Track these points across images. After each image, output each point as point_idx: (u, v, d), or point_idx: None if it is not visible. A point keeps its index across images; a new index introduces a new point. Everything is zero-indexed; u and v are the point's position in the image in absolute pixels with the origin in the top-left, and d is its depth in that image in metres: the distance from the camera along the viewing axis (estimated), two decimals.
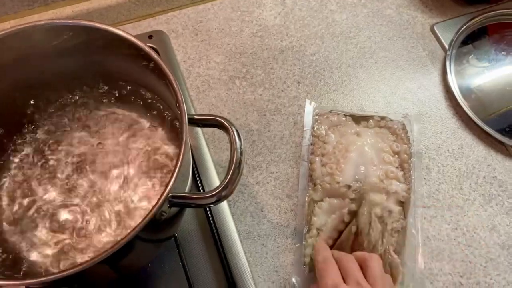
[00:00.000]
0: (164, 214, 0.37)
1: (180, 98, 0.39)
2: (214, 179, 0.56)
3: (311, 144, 0.58)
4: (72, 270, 0.33)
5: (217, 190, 0.37)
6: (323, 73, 0.65)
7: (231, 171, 0.38)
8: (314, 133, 0.58)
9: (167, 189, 0.35)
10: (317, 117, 0.59)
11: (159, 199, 0.35)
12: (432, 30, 0.69)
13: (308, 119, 0.60)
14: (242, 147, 0.39)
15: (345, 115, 0.60)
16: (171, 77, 0.39)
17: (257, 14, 0.69)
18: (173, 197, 0.37)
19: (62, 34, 0.42)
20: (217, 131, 0.58)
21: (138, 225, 0.34)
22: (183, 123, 0.38)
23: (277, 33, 0.68)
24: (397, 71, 0.66)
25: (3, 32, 0.41)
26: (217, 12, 0.69)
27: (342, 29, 0.69)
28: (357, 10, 0.70)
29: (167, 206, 0.37)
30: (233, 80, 0.64)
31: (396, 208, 0.54)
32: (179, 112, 0.41)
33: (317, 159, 0.57)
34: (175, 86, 0.39)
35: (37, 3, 0.62)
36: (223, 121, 0.40)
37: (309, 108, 0.61)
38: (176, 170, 0.36)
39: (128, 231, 0.43)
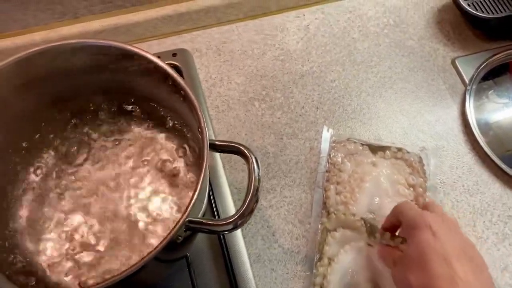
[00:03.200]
0: (180, 238, 0.38)
1: (203, 125, 0.39)
2: (228, 200, 0.56)
3: (327, 171, 0.58)
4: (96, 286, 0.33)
5: (234, 218, 0.38)
6: (342, 100, 0.66)
7: (248, 199, 0.38)
8: (330, 160, 0.59)
9: (185, 214, 0.36)
10: (334, 144, 0.60)
11: (176, 223, 0.36)
12: (453, 63, 0.69)
13: (325, 145, 0.60)
14: (260, 175, 0.40)
15: (362, 144, 0.60)
16: (197, 105, 0.40)
17: (280, 38, 0.70)
18: (190, 221, 0.37)
19: (92, 52, 0.44)
20: None
21: (156, 248, 0.35)
22: (205, 149, 0.39)
23: (299, 57, 0.69)
24: (416, 102, 0.66)
25: (36, 49, 0.42)
26: (241, 34, 0.70)
27: (363, 57, 0.69)
28: (379, 39, 0.71)
29: (183, 230, 0.38)
30: (252, 101, 0.65)
31: None
32: (200, 136, 0.42)
33: (332, 186, 0.57)
34: (199, 112, 0.40)
35: (67, 16, 0.64)
36: (243, 149, 0.41)
37: (327, 134, 0.61)
38: (195, 196, 0.37)
39: (142, 250, 0.44)
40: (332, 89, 0.66)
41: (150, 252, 0.35)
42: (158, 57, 0.43)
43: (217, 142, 0.41)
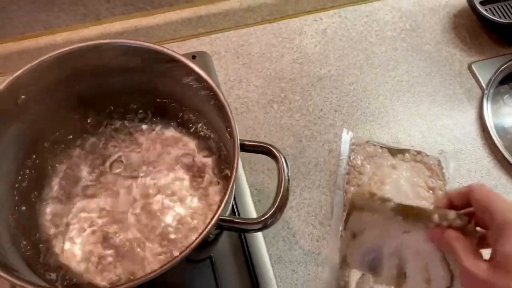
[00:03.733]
0: (211, 236, 0.38)
1: (233, 125, 0.40)
2: (249, 201, 0.57)
3: (347, 174, 0.59)
4: (125, 285, 0.34)
5: (265, 217, 0.38)
6: (360, 103, 0.66)
7: (278, 199, 0.39)
8: (350, 163, 0.59)
9: (218, 212, 0.36)
10: (353, 147, 0.60)
11: (209, 221, 0.36)
12: (469, 68, 0.70)
13: (344, 148, 0.61)
14: (289, 175, 0.40)
15: (382, 147, 0.60)
16: (227, 106, 0.40)
17: (298, 41, 0.71)
18: (221, 220, 0.38)
19: (123, 53, 0.44)
20: (253, 154, 0.59)
21: (189, 246, 0.35)
22: (235, 148, 0.39)
23: (317, 61, 0.69)
24: (434, 106, 0.66)
25: (72, 47, 0.43)
26: (259, 37, 0.71)
27: (380, 61, 0.70)
28: (396, 43, 0.72)
29: (214, 228, 0.38)
30: (271, 104, 0.65)
31: None
32: (228, 136, 0.42)
33: (352, 189, 0.57)
34: (229, 114, 0.40)
35: (89, 18, 0.65)
36: (272, 149, 0.41)
37: (346, 137, 0.61)
38: (227, 194, 0.37)
39: (168, 250, 0.45)
40: (350, 92, 0.67)
41: (184, 250, 0.35)
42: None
43: (246, 142, 0.42)
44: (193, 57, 0.66)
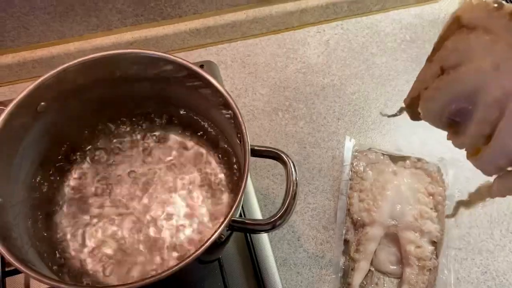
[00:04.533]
0: (223, 237, 0.40)
1: (244, 131, 0.42)
2: (255, 205, 0.58)
3: (350, 179, 0.61)
4: (136, 284, 0.35)
5: (274, 219, 0.40)
6: (362, 111, 0.68)
7: (287, 202, 0.41)
8: (353, 169, 0.61)
9: (230, 213, 0.38)
10: (356, 153, 0.62)
11: (222, 222, 0.38)
12: None
13: (347, 155, 0.63)
14: (297, 179, 0.42)
15: (383, 154, 0.63)
16: (237, 111, 0.42)
17: (301, 52, 0.73)
18: (233, 221, 0.40)
19: (140, 63, 0.47)
20: (259, 159, 0.61)
21: (201, 247, 0.37)
22: (246, 153, 0.41)
23: (320, 70, 0.72)
24: None
25: (90, 57, 0.45)
26: (265, 48, 0.73)
27: (381, 71, 0.72)
28: (396, 54, 0.74)
29: (226, 229, 0.40)
30: (276, 112, 0.68)
31: (429, 247, 0.56)
32: (239, 142, 0.44)
33: (355, 194, 0.59)
34: (240, 119, 0.43)
35: (100, 28, 0.67)
36: (281, 154, 0.43)
37: (349, 144, 0.64)
38: (239, 196, 0.39)
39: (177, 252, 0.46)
40: (352, 101, 0.69)
41: (197, 250, 0.37)
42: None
43: (256, 148, 0.44)
44: (200, 66, 0.68)
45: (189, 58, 0.71)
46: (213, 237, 0.37)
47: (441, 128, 0.35)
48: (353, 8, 0.76)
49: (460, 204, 0.38)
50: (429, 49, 0.74)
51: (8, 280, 0.50)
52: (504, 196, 0.32)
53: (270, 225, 0.40)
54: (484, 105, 0.28)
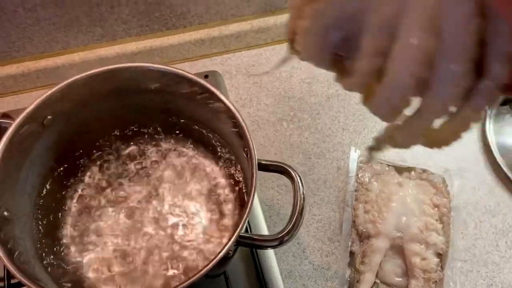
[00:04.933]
0: (230, 252, 0.40)
1: (251, 145, 0.42)
2: (260, 217, 0.58)
3: (355, 191, 0.61)
4: None
5: (281, 235, 0.40)
6: (367, 122, 0.68)
7: (294, 217, 0.41)
8: (358, 180, 0.61)
9: (238, 229, 0.38)
10: (361, 164, 0.62)
11: (230, 238, 0.38)
12: None
13: (353, 165, 0.63)
14: (304, 194, 0.42)
15: (388, 165, 0.62)
16: (244, 126, 0.42)
17: (306, 62, 0.73)
18: (241, 237, 0.39)
19: (145, 76, 0.47)
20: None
21: (211, 261, 0.37)
22: (254, 168, 0.41)
23: (324, 81, 0.72)
24: None
25: (96, 70, 0.45)
26: (269, 58, 0.73)
27: None
28: None
29: (233, 245, 0.40)
30: (281, 122, 0.68)
31: (434, 259, 0.56)
32: (246, 156, 0.44)
33: (360, 205, 0.59)
34: (247, 133, 0.42)
35: (105, 38, 0.67)
36: (288, 169, 0.43)
37: (354, 155, 0.63)
38: (247, 211, 0.39)
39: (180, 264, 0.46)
40: (357, 112, 0.69)
41: (205, 266, 0.37)
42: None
43: (263, 162, 0.44)
44: (205, 76, 0.68)
45: (194, 68, 0.71)
46: (222, 253, 0.37)
47: (326, 68, 0.29)
48: None
49: (370, 150, 0.34)
50: None
51: None
52: (408, 146, 0.29)
53: (278, 241, 0.40)
54: (371, 29, 0.23)
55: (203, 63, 0.72)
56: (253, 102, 0.69)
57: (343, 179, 0.63)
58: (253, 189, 0.40)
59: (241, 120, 0.43)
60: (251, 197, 0.39)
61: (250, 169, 0.42)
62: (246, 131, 0.42)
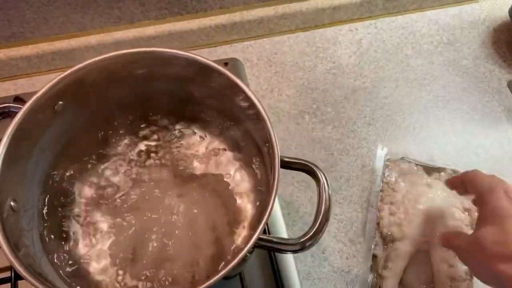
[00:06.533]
0: (249, 255, 0.37)
1: (274, 142, 0.39)
2: (278, 214, 0.56)
3: (381, 191, 0.57)
4: None
5: (304, 239, 0.37)
6: (395, 117, 0.64)
7: (318, 221, 0.38)
8: (384, 180, 0.57)
9: (257, 232, 0.35)
10: (388, 163, 0.59)
11: (248, 240, 0.35)
12: (509, 85, 0.68)
13: (379, 164, 0.59)
14: (330, 195, 0.39)
15: (417, 165, 0.59)
16: (269, 124, 0.39)
17: (332, 51, 0.69)
18: (260, 239, 0.37)
19: (162, 62, 0.44)
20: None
21: (228, 263, 0.34)
22: (276, 166, 0.38)
23: (351, 72, 0.68)
24: (470, 124, 0.64)
25: (109, 55, 0.42)
26: (293, 46, 0.70)
27: (416, 75, 0.68)
28: (433, 57, 0.70)
29: (251, 247, 0.37)
30: (302, 115, 0.64)
31: (463, 267, 0.52)
32: (268, 151, 0.41)
33: (386, 207, 0.56)
34: (270, 130, 0.39)
35: (123, 21, 0.64)
36: (314, 168, 0.40)
37: (381, 153, 0.60)
38: (267, 213, 0.36)
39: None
40: (385, 106, 0.65)
41: (223, 268, 0.34)
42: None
43: (286, 159, 0.41)
44: (225, 64, 0.65)
45: (213, 54, 0.68)
46: (240, 255, 0.34)
47: None
48: (388, 7, 0.71)
49: None
50: (467, 52, 0.71)
51: (20, 283, 0.48)
52: None
53: (299, 245, 0.37)
54: None
55: (223, 50, 0.69)
56: (274, 93, 0.66)
57: (367, 177, 0.60)
58: (274, 189, 0.37)
59: (263, 112, 0.39)
60: (272, 199, 0.36)
61: (271, 166, 0.39)
62: (270, 126, 0.39)
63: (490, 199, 0.42)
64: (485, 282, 0.42)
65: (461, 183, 0.48)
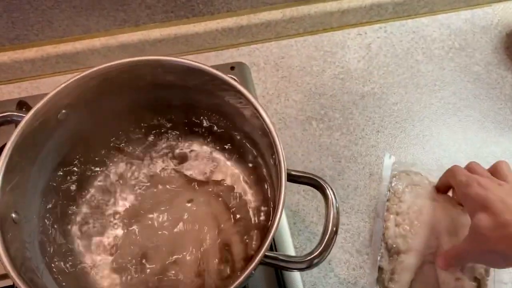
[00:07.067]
0: (254, 272, 0.36)
1: (281, 157, 0.38)
2: (284, 224, 0.55)
3: (387, 200, 0.56)
4: None
5: (310, 257, 0.36)
6: (404, 124, 0.63)
7: (326, 237, 0.37)
8: (391, 189, 0.56)
9: (263, 249, 0.35)
10: (395, 172, 0.57)
11: (254, 257, 0.34)
12: None
13: (386, 173, 0.58)
14: (339, 211, 0.38)
15: (423, 174, 0.57)
16: (276, 137, 0.38)
17: (340, 56, 0.68)
18: (265, 256, 0.36)
19: (168, 70, 0.43)
20: None
21: (236, 280, 0.33)
22: (282, 181, 0.37)
23: (359, 77, 0.66)
24: (482, 132, 0.63)
25: (113, 63, 0.41)
26: (300, 50, 0.68)
27: (426, 80, 0.67)
28: (443, 63, 0.68)
29: (256, 265, 0.36)
30: (310, 121, 0.63)
31: (471, 284, 0.51)
32: (275, 163, 0.40)
33: (391, 217, 0.54)
34: (277, 141, 0.38)
35: (128, 24, 0.63)
36: (321, 183, 0.39)
37: (388, 162, 0.58)
38: (273, 229, 0.35)
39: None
40: (394, 113, 0.64)
41: (232, 284, 0.33)
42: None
43: (292, 172, 0.40)
44: (231, 68, 0.64)
45: (220, 58, 0.67)
46: (245, 274, 0.33)
47: None
48: (398, 10, 0.70)
49: None
50: (479, 58, 0.69)
51: None
52: None
53: (307, 263, 0.36)
54: None
55: (229, 53, 0.68)
56: (281, 98, 0.65)
57: (375, 186, 0.58)
58: (280, 205, 0.36)
59: (272, 129, 0.39)
60: (278, 215, 0.35)
61: (278, 178, 0.38)
62: (278, 141, 0.38)
63: (468, 191, 0.45)
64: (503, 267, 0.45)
65: (446, 179, 0.52)
